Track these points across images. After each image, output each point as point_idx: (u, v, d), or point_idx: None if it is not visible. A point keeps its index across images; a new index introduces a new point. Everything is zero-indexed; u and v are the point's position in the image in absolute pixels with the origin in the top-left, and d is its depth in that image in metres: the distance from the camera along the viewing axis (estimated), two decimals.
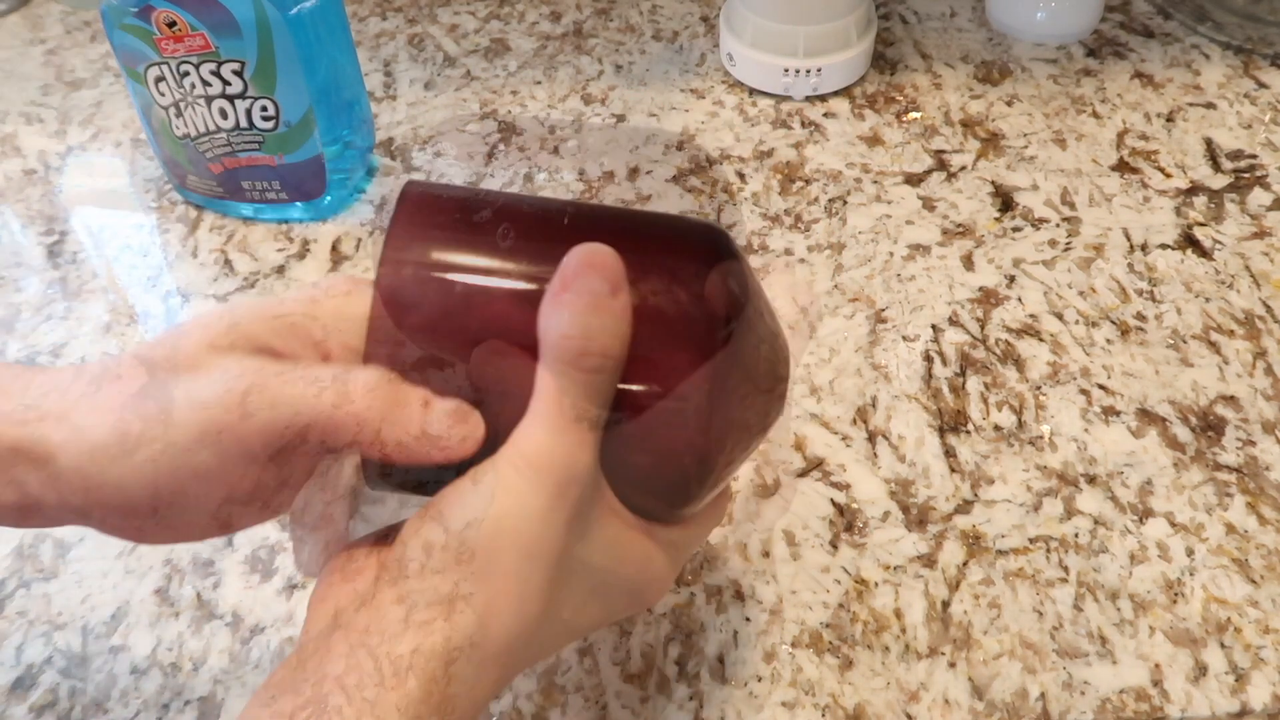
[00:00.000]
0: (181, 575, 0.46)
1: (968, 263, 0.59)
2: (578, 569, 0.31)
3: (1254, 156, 0.65)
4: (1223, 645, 0.43)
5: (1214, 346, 0.54)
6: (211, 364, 0.31)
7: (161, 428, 0.30)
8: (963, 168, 0.65)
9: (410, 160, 0.66)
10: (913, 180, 0.64)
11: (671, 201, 0.63)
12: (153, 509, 0.31)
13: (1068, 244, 0.60)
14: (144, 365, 0.31)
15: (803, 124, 0.68)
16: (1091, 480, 0.49)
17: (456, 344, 0.31)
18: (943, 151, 0.66)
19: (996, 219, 0.62)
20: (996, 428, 0.51)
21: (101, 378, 0.31)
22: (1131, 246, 0.60)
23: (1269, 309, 0.56)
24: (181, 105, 0.58)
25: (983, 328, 0.56)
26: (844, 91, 0.70)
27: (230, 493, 0.31)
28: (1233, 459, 0.50)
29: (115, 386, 0.31)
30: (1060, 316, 0.56)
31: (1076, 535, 0.47)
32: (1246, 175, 0.64)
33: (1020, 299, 0.57)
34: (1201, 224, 0.61)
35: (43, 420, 0.30)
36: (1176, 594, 0.45)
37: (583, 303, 0.29)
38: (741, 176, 0.65)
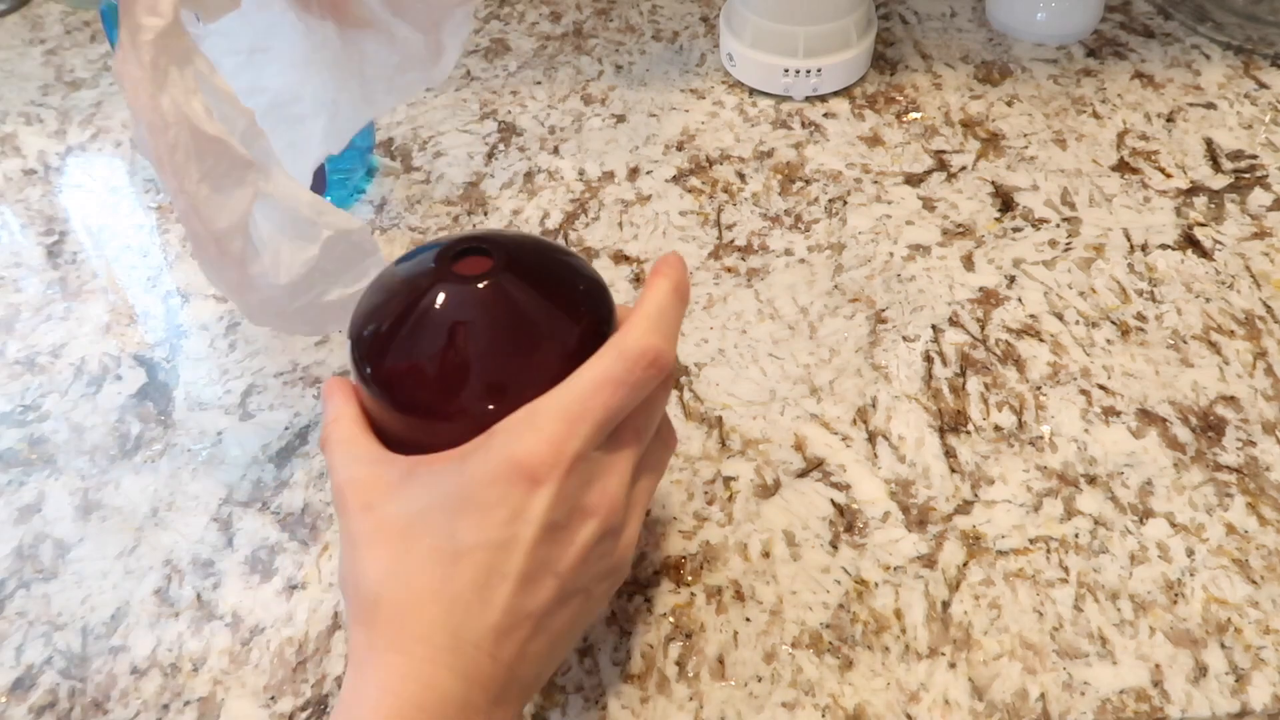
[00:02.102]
0: (181, 575, 0.46)
1: (968, 263, 0.59)
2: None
3: (1254, 157, 0.65)
4: (1223, 646, 0.43)
5: (1214, 347, 0.54)
6: None
7: None
8: (963, 168, 0.65)
9: (410, 160, 0.66)
10: (913, 180, 0.64)
11: (672, 201, 0.63)
12: None
13: (1068, 244, 0.60)
14: None
15: (803, 124, 0.68)
16: (1091, 481, 0.49)
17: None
18: (943, 152, 0.66)
19: (996, 219, 0.62)
20: (996, 428, 0.51)
21: None
22: (1131, 247, 0.60)
23: (1269, 309, 0.56)
24: None
25: (983, 328, 0.56)
26: (844, 92, 0.70)
27: None
28: (1233, 459, 0.50)
29: None
30: (1060, 317, 0.56)
31: (1076, 536, 0.47)
32: (1246, 175, 0.64)
33: (1020, 299, 0.57)
34: (1201, 224, 0.61)
35: None
36: (1177, 594, 0.45)
37: None
38: (741, 176, 0.65)
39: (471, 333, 0.36)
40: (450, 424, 0.35)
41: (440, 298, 0.36)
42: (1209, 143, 0.66)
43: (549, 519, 0.34)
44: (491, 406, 0.35)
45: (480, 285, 0.36)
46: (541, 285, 0.37)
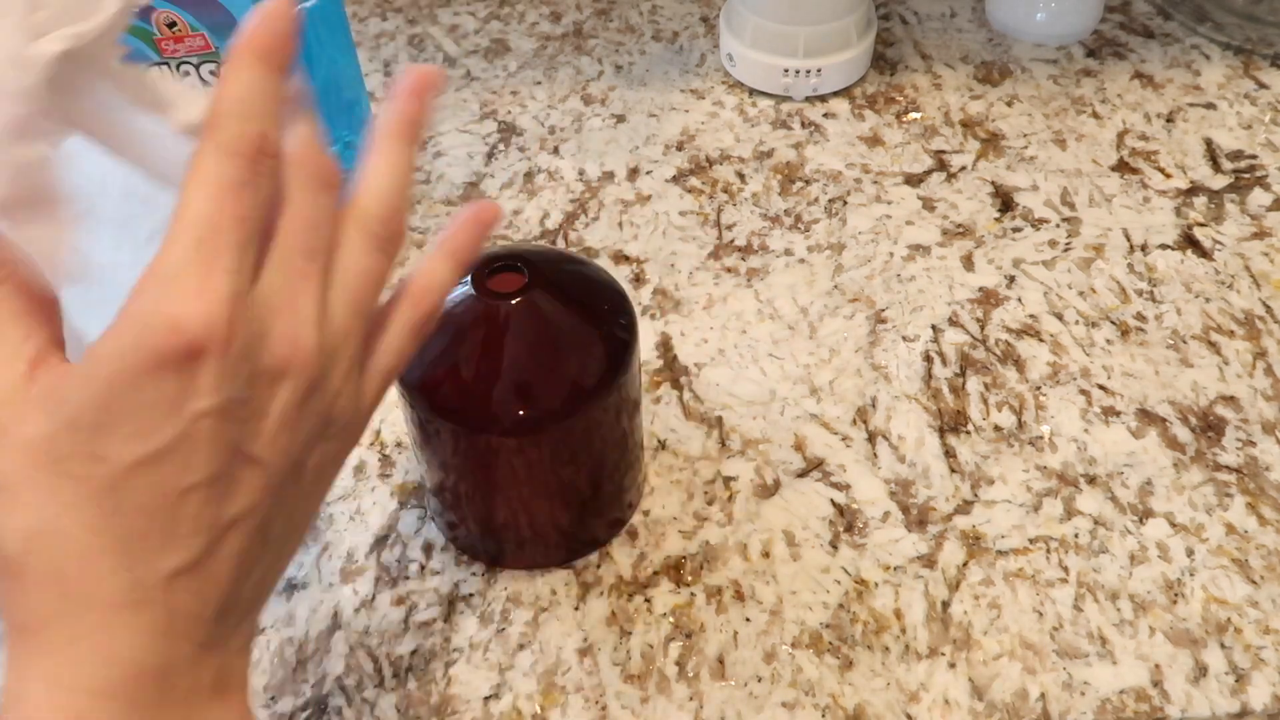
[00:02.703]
0: None
1: (968, 263, 0.59)
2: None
3: (1254, 157, 0.65)
4: (1223, 646, 0.43)
5: (1214, 347, 0.54)
6: None
7: None
8: (963, 168, 0.65)
9: None
10: (913, 180, 0.64)
11: (672, 201, 0.63)
12: None
13: (1068, 244, 0.60)
14: None
15: (803, 124, 0.68)
16: (1091, 481, 0.49)
17: None
18: (943, 152, 0.66)
19: (996, 219, 0.62)
20: (996, 428, 0.51)
21: None
22: (1131, 247, 0.60)
23: (1269, 309, 0.56)
24: None
25: (983, 328, 0.56)
26: (844, 92, 0.70)
27: None
28: (1233, 459, 0.50)
29: None
30: (1060, 317, 0.56)
31: (1076, 536, 0.47)
32: (1246, 175, 0.64)
33: (1020, 299, 0.57)
34: (1201, 224, 0.61)
35: None
36: (1176, 594, 0.45)
37: None
38: (741, 177, 0.65)
39: (506, 343, 0.39)
40: (487, 431, 0.39)
41: (478, 312, 0.40)
42: (1209, 143, 0.66)
43: (225, 394, 0.26)
44: (522, 412, 0.39)
45: (515, 301, 0.40)
46: (568, 298, 0.41)
